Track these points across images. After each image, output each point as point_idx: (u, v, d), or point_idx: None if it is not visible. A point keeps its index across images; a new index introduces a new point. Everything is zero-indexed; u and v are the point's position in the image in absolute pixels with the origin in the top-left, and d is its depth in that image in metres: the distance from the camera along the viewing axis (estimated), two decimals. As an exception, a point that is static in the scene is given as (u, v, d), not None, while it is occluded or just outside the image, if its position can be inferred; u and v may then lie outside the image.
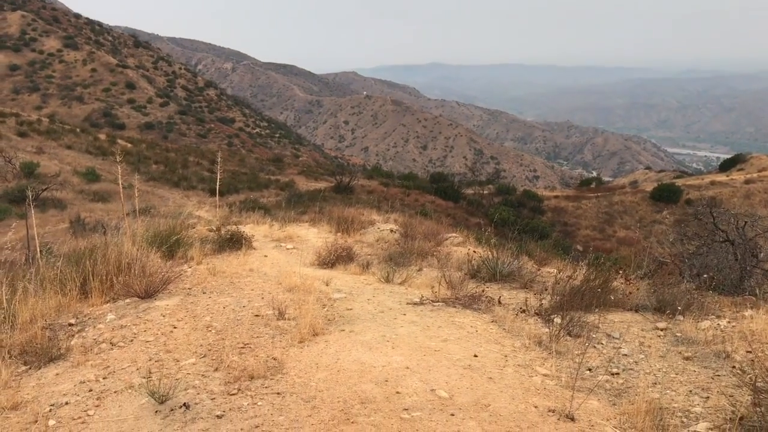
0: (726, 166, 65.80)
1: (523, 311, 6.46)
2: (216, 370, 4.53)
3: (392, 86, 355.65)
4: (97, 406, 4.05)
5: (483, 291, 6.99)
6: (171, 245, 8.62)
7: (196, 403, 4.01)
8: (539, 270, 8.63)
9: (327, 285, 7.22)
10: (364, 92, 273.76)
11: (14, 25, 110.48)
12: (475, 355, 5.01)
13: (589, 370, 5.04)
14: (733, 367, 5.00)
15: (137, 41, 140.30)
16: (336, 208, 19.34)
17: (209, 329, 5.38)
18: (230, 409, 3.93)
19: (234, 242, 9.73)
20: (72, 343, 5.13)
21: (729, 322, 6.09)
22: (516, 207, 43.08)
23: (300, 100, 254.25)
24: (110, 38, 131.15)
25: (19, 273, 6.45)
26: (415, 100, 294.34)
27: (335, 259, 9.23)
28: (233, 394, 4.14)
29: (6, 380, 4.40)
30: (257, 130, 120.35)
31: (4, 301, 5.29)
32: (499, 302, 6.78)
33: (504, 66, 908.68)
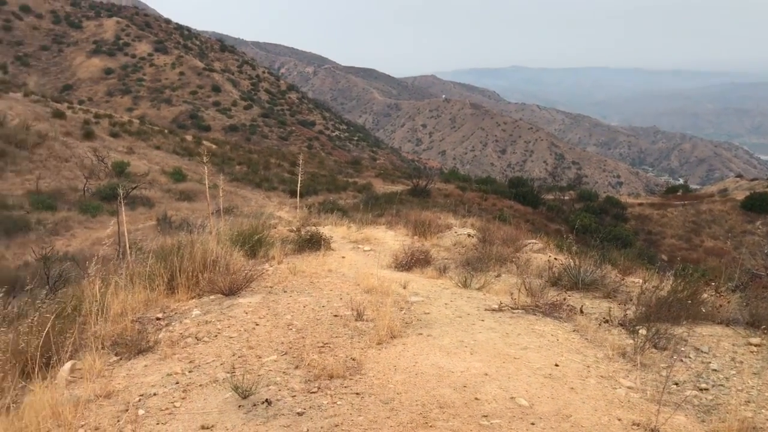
0: (826, 174, 62.01)
1: (606, 321, 6.28)
2: (297, 367, 4.62)
3: (471, 90, 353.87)
4: (183, 398, 4.19)
5: (564, 299, 6.83)
6: (253, 244, 8.85)
7: (278, 400, 4.10)
8: (623, 279, 8.37)
9: (404, 288, 7.23)
10: (443, 95, 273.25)
11: (109, 30, 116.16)
12: (556, 365, 4.91)
13: (676, 384, 4.85)
14: (835, 388, 4.70)
15: (223, 45, 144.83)
16: (413, 211, 19.36)
17: (290, 327, 5.49)
18: (310, 407, 4.00)
19: (313, 243, 9.88)
20: (159, 336, 5.33)
21: (830, 340, 5.73)
22: (598, 214, 41.96)
23: (379, 103, 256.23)
24: (198, 42, 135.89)
25: (111, 268, 6.75)
26: (494, 104, 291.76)
27: (412, 262, 9.24)
28: (313, 393, 4.21)
29: (100, 369, 4.62)
30: (336, 132, 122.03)
31: (99, 294, 5.54)
32: (581, 311, 6.61)
33: (587, 69, 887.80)
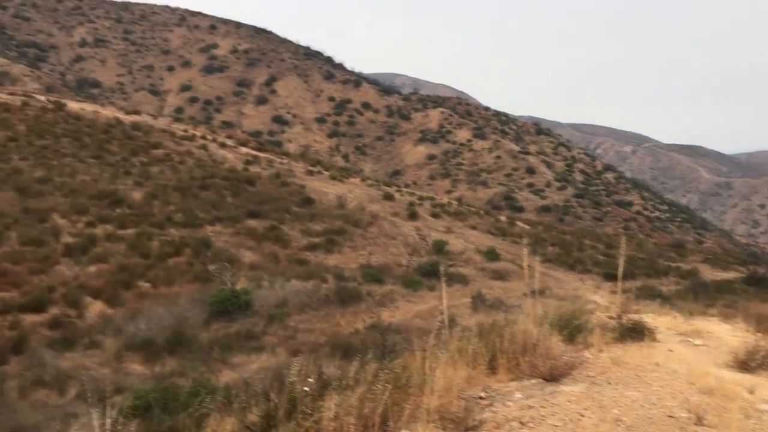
0: None
1: None
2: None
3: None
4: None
5: None
6: (572, 330, 8.57)
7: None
8: None
9: (751, 393, 6.32)
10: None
11: (434, 120, 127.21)
12: None
13: None
14: None
15: (539, 129, 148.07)
16: (752, 302, 17.22)
17: (618, 423, 5.12)
18: None
19: (636, 332, 9.23)
20: (484, 416, 5.37)
21: None
22: None
23: (705, 182, 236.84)
24: (514, 127, 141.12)
25: (435, 342, 7.06)
26: None
27: (759, 362, 8.07)
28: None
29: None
30: (656, 213, 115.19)
31: (427, 367, 5.80)
32: None
33: None
